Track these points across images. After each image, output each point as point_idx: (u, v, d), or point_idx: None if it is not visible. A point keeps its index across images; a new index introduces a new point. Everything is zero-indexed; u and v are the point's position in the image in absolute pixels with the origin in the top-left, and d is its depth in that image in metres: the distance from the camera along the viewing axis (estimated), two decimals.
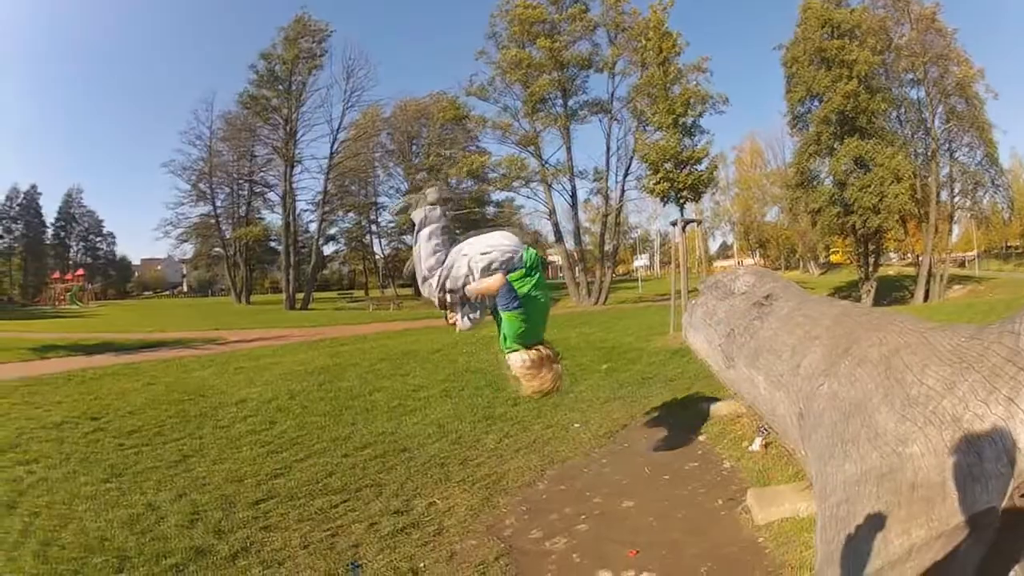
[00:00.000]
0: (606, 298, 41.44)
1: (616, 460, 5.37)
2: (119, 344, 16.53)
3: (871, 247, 39.14)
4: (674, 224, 16.26)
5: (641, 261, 74.13)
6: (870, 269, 39.15)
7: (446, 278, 4.09)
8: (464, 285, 4.05)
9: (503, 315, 4.01)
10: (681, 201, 30.02)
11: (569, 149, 42.50)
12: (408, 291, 62.97)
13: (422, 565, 3.52)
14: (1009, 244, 70.00)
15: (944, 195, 40.50)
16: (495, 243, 4.13)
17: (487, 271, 4.00)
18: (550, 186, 42.78)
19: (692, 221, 18.97)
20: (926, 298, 38.45)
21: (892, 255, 59.09)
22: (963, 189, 41.20)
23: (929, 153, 39.50)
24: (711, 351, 5.45)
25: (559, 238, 44.23)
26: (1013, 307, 18.24)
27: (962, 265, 66.40)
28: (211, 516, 4.18)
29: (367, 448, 5.80)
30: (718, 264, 73.54)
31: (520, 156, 42.56)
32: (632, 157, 40.89)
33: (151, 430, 6.66)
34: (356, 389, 8.74)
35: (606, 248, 44.10)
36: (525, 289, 4.03)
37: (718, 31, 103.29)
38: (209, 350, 15.08)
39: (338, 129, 50.85)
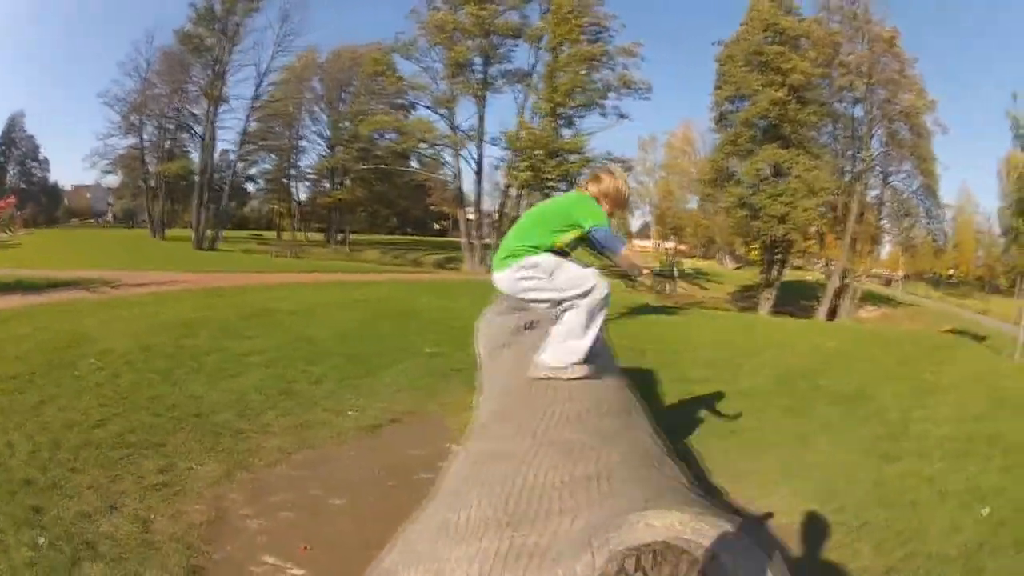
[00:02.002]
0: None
1: (362, 455, 5.83)
2: (28, 283, 16.80)
3: (777, 255, 40.20)
4: None
5: None
6: (772, 276, 40.38)
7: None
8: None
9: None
10: (546, 191, 30.63)
11: (481, 117, 42.68)
12: (319, 236, 64.02)
13: (152, 516, 4.24)
14: (939, 272, 71.20)
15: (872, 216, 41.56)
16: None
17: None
18: (458, 152, 43.34)
19: None
20: (833, 316, 39.69)
21: (818, 262, 60.58)
22: (891, 213, 42.72)
23: (855, 172, 40.63)
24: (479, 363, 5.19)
25: (461, 203, 45.14)
26: (906, 345, 18.58)
27: (888, 284, 68.49)
28: (42, 455, 5.01)
29: (173, 409, 6.42)
30: (637, 243, 74.19)
31: (427, 119, 43.56)
32: None
33: (27, 376, 7.19)
34: (200, 347, 9.25)
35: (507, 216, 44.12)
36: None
37: (676, 17, 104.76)
38: (104, 294, 15.45)
39: (265, 72, 51.24)
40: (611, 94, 38.52)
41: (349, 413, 7.05)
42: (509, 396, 3.50)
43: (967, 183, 78.83)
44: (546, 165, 28.52)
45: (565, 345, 3.73)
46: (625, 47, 39.26)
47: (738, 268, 66.39)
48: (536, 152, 30.28)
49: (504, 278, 3.93)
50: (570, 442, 2.52)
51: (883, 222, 43.25)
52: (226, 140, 53.40)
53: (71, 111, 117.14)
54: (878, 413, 9.22)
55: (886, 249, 52.98)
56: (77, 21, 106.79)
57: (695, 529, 1.62)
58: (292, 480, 5.12)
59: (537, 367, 3.71)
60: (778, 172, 37.26)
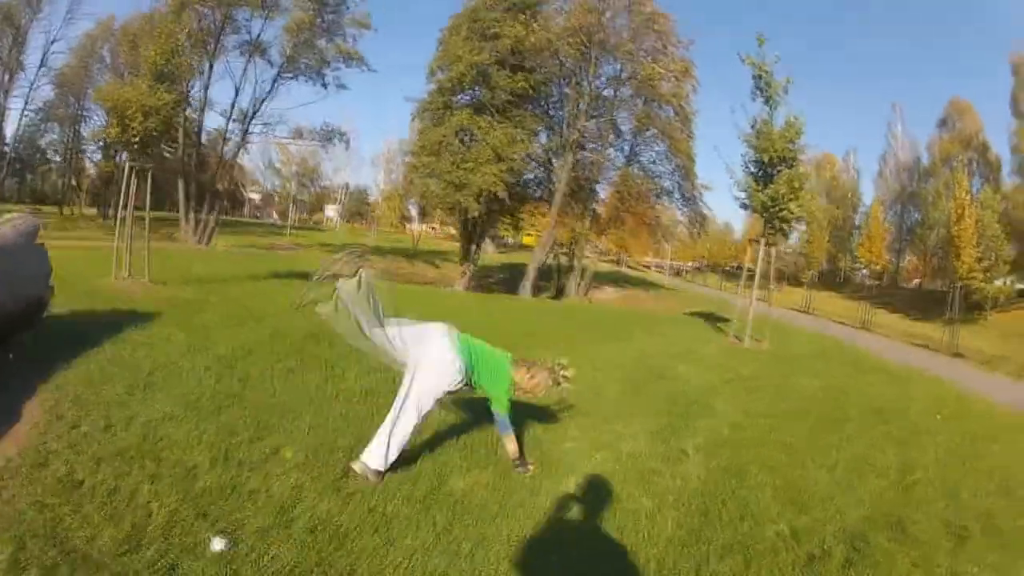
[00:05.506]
0: (210, 239, 39.74)
1: None
2: None
3: (477, 229, 38.97)
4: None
5: (331, 211, 73.67)
6: (472, 251, 39.24)
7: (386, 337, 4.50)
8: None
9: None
10: (132, 150, 29.80)
11: (206, 87, 42.04)
12: (92, 212, 62.90)
13: None
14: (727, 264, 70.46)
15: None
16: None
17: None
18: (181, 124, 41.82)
19: (144, 168, 19.00)
20: (559, 295, 38.57)
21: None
22: (638, 193, 40.54)
23: (566, 143, 38.43)
24: None
25: (183, 175, 43.27)
26: (604, 320, 19.31)
27: (678, 274, 68.54)
28: None
29: None
30: (410, 227, 72.92)
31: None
32: (263, 100, 41.04)
33: None
34: None
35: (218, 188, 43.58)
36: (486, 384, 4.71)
37: None
38: None
39: (53, 40, 51.36)
40: (334, 64, 38.48)
41: None
42: None
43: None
44: (134, 123, 27.56)
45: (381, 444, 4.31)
46: (355, 17, 38.15)
47: (501, 252, 64.75)
48: (128, 111, 29.20)
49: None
50: None
51: (629, 202, 40.58)
52: (29, 111, 52.51)
53: None
54: None
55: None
56: None
57: None
58: None
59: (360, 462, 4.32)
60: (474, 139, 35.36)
